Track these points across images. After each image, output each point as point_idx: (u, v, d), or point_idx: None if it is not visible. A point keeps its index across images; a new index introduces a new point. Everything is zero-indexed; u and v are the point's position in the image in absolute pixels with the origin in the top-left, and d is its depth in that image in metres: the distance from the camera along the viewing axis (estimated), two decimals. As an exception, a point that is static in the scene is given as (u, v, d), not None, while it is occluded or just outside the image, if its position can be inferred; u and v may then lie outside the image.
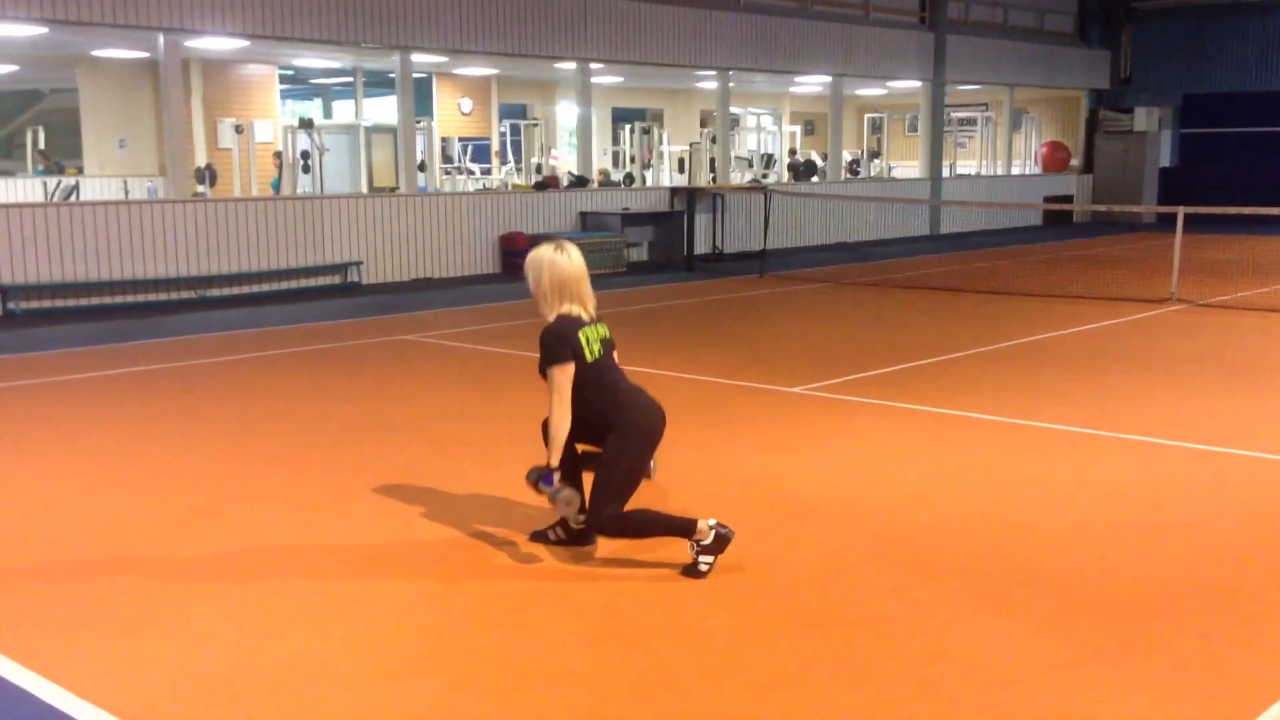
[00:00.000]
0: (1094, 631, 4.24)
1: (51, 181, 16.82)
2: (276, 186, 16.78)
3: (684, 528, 4.82)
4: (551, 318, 4.88)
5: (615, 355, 5.04)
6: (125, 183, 17.38)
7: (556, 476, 4.84)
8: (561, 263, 4.88)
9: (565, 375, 4.78)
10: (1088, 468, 6.48)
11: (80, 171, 17.69)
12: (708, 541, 4.79)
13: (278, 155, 17.09)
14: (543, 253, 4.92)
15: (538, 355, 4.85)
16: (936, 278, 16.32)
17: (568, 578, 4.80)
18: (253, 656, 4.04)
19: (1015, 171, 27.53)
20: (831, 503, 5.83)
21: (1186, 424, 7.51)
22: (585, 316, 4.91)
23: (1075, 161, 28.47)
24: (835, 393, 8.44)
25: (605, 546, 5.10)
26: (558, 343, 4.81)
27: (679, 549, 5.05)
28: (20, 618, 4.39)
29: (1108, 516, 5.63)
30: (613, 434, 4.84)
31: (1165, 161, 28.33)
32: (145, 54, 16.28)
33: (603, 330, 4.98)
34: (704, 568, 4.78)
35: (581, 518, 5.00)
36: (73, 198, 16.12)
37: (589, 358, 4.83)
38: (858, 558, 5.04)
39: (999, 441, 7.07)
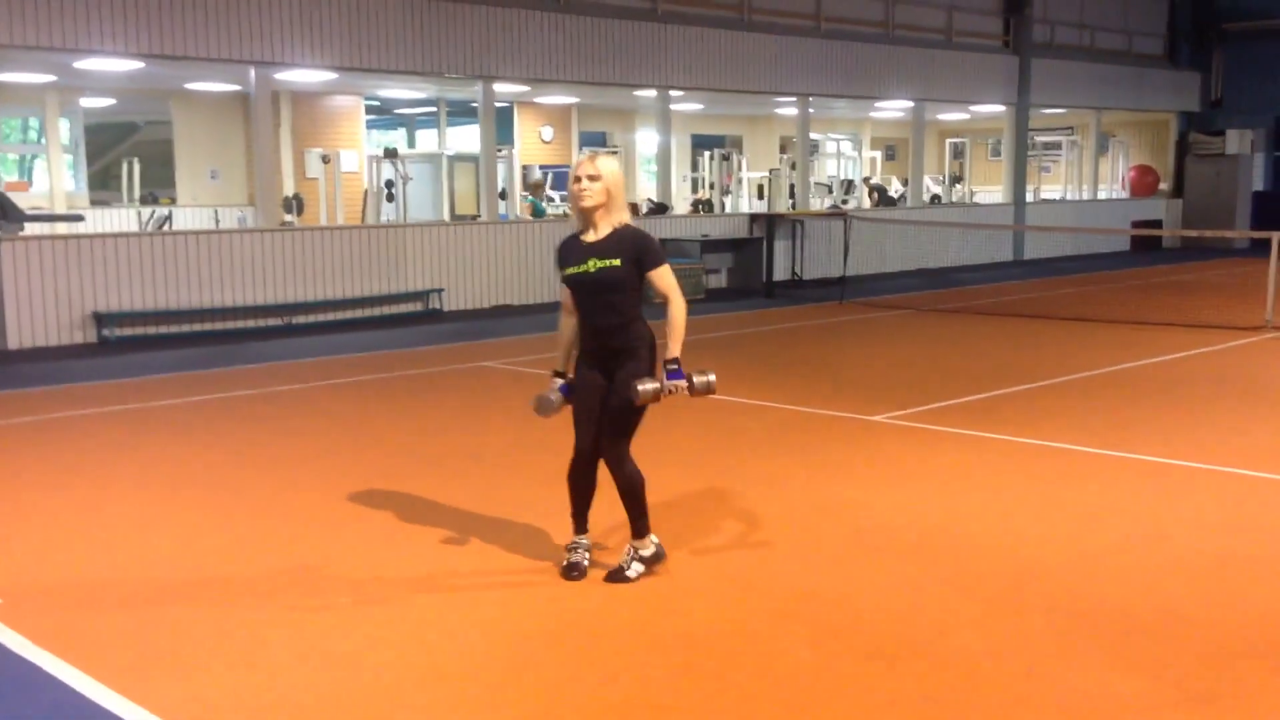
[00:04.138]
0: (1189, 673, 4.11)
1: (146, 211, 17.32)
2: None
3: (646, 522, 5.06)
4: (624, 220, 4.97)
5: None
6: (216, 212, 17.82)
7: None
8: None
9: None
10: (1180, 501, 6.31)
11: (173, 202, 18.18)
12: (648, 553, 5.06)
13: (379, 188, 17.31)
14: (611, 161, 4.99)
15: (647, 255, 4.92)
16: (1020, 304, 16.06)
17: (646, 609, 4.78)
18: (333, 684, 4.08)
19: (1102, 196, 27.04)
20: (914, 534, 5.74)
21: (1284, 456, 7.28)
22: None
23: (1165, 185, 27.89)
24: (918, 421, 8.33)
25: (680, 572, 5.07)
26: (660, 246, 5.05)
27: (761, 579, 5.02)
28: (109, 642, 4.49)
29: (1202, 552, 5.46)
30: (631, 360, 4.93)
31: (1258, 185, 27.63)
32: (237, 87, 16.72)
33: None
34: (633, 575, 5.01)
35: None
36: (166, 227, 16.57)
37: None
38: (941, 591, 4.95)
39: (1087, 473, 6.91)
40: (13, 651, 4.36)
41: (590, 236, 4.96)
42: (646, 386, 4.80)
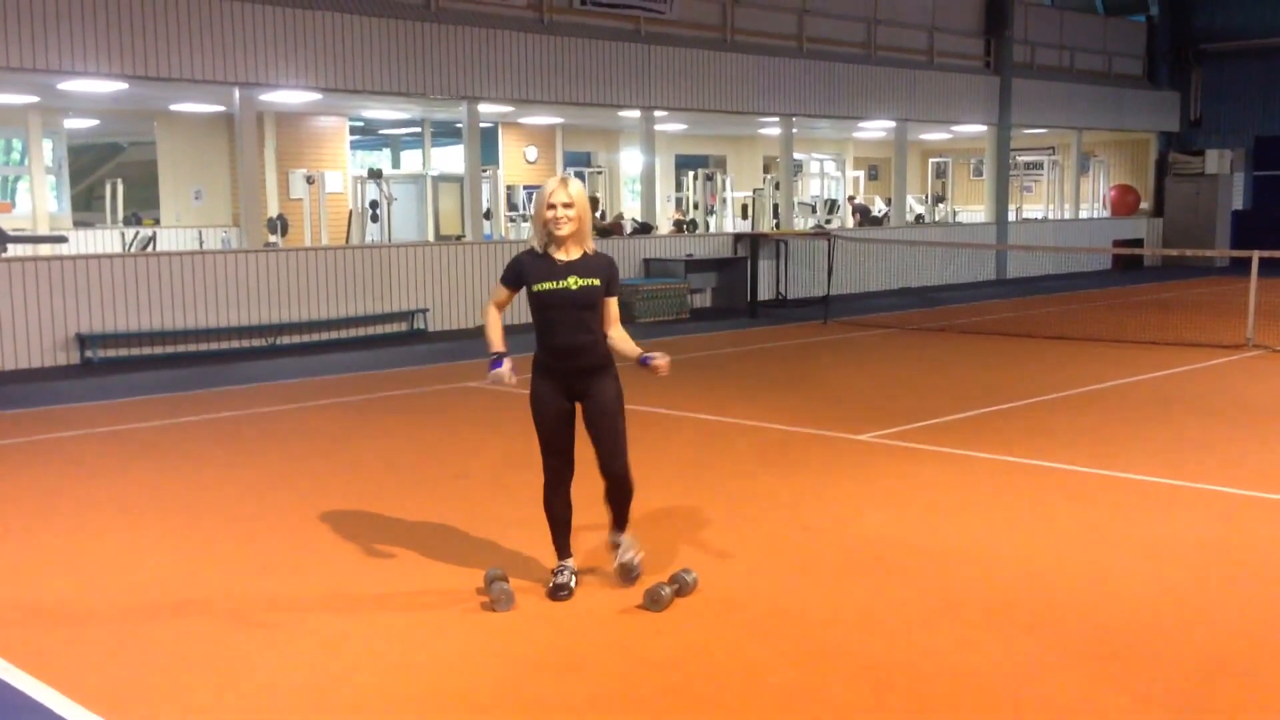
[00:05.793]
0: (1177, 693, 4.13)
1: (130, 233, 17.28)
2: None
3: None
4: (592, 245, 5.08)
5: None
6: (200, 233, 17.79)
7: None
8: None
9: None
10: (1164, 519, 6.34)
11: (157, 223, 18.14)
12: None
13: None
14: (580, 184, 5.07)
15: (615, 281, 5.11)
16: (1003, 323, 16.14)
17: (633, 630, 4.78)
18: (317, 707, 4.07)
19: (1083, 215, 27.22)
20: (900, 553, 5.75)
21: (1268, 474, 7.33)
22: None
23: (1145, 205, 28.09)
24: (903, 440, 8.35)
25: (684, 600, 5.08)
26: None
27: (747, 600, 5.02)
28: (93, 665, 4.46)
29: (1186, 571, 5.49)
30: (611, 378, 5.12)
31: (1238, 204, 27.85)
32: (221, 108, 16.71)
33: None
34: (641, 559, 5.25)
35: None
36: (149, 249, 16.52)
37: None
38: (927, 610, 4.96)
39: (1071, 491, 6.94)
40: (-4, 676, 4.33)
41: (564, 256, 5.02)
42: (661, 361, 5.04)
